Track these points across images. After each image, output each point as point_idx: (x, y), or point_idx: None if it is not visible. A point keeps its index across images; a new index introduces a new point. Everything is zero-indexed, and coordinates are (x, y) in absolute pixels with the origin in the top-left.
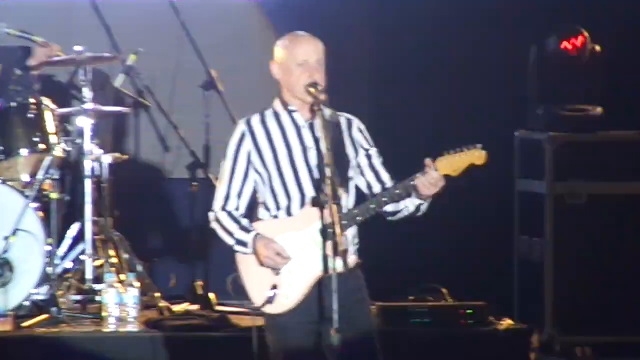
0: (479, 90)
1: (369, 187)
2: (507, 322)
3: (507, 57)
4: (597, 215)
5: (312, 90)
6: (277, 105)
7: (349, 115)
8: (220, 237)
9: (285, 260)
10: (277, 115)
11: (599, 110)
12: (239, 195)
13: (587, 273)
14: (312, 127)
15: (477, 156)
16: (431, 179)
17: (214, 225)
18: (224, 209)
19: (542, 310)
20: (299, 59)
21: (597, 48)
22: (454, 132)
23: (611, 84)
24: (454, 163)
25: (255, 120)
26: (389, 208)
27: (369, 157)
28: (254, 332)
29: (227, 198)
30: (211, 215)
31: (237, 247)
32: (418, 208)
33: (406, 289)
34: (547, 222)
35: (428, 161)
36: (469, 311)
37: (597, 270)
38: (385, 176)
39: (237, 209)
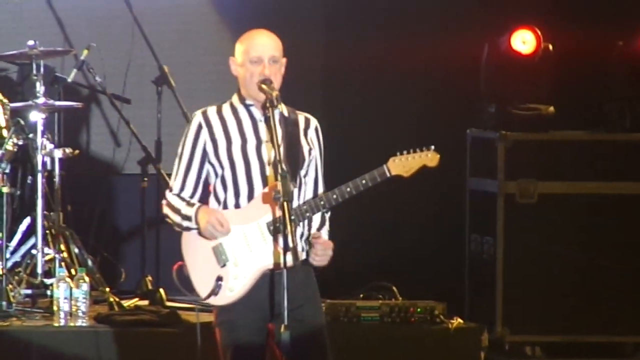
0: (431, 88)
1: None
2: (457, 321)
3: (459, 56)
4: (548, 214)
5: (264, 86)
6: (235, 99)
7: (308, 115)
8: (169, 219)
9: (224, 229)
10: (234, 108)
11: (551, 109)
12: (195, 187)
13: (537, 272)
14: (268, 122)
15: (430, 158)
16: (318, 250)
17: (166, 210)
18: (177, 195)
19: (492, 309)
20: (252, 55)
21: (550, 47)
22: (406, 130)
23: (563, 83)
24: (407, 164)
25: (212, 111)
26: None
27: (315, 167)
28: (198, 329)
29: (183, 188)
30: (164, 202)
31: (185, 223)
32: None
33: (356, 286)
34: (498, 220)
35: (315, 234)
36: (419, 309)
37: (547, 270)
38: (320, 190)
39: (190, 198)
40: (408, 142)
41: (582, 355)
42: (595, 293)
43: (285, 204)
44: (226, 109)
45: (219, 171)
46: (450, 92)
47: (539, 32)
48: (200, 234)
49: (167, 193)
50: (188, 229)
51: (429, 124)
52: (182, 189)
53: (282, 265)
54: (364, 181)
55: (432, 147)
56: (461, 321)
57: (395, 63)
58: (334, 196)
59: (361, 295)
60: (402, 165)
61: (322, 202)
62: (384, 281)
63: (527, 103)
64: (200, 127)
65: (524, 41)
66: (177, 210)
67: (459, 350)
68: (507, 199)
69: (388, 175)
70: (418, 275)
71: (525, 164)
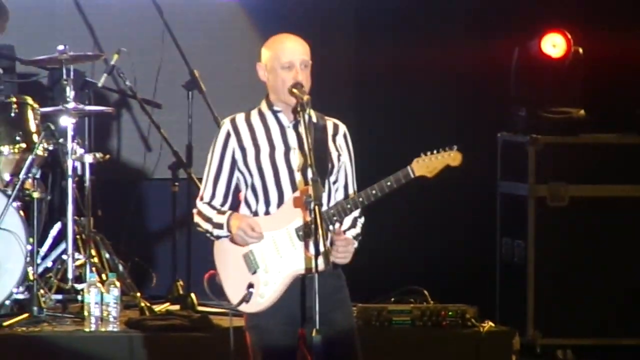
0: (461, 92)
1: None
2: (488, 324)
3: (489, 59)
4: (579, 217)
5: (295, 91)
6: (263, 105)
7: (336, 121)
8: (201, 228)
9: (257, 235)
10: (262, 115)
11: (582, 112)
12: (225, 195)
13: (568, 275)
14: (296, 128)
15: (452, 157)
16: (339, 247)
17: (197, 219)
18: (208, 203)
19: (524, 312)
20: (283, 61)
21: (580, 50)
22: (437, 134)
23: (594, 86)
24: (430, 164)
25: (240, 119)
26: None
27: (345, 173)
28: (231, 333)
29: (213, 196)
30: (194, 210)
31: (216, 232)
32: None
33: (388, 290)
34: (529, 224)
35: (337, 230)
36: (450, 313)
37: (578, 273)
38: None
39: (221, 206)
40: (439, 146)
41: (613, 358)
42: (627, 296)
43: (316, 208)
44: (254, 115)
45: (249, 180)
46: (480, 95)
47: (569, 36)
48: (232, 241)
49: (198, 202)
50: (219, 237)
51: (459, 127)
52: (212, 197)
53: (313, 269)
54: (388, 183)
55: (455, 146)
56: (492, 325)
57: (425, 66)
58: (360, 199)
59: (393, 299)
60: (425, 165)
61: (348, 206)
62: (416, 285)
63: (557, 106)
64: (228, 135)
65: (554, 45)
66: (208, 219)
67: (491, 354)
68: (538, 203)
69: (412, 176)
70: (449, 279)
71: (556, 167)
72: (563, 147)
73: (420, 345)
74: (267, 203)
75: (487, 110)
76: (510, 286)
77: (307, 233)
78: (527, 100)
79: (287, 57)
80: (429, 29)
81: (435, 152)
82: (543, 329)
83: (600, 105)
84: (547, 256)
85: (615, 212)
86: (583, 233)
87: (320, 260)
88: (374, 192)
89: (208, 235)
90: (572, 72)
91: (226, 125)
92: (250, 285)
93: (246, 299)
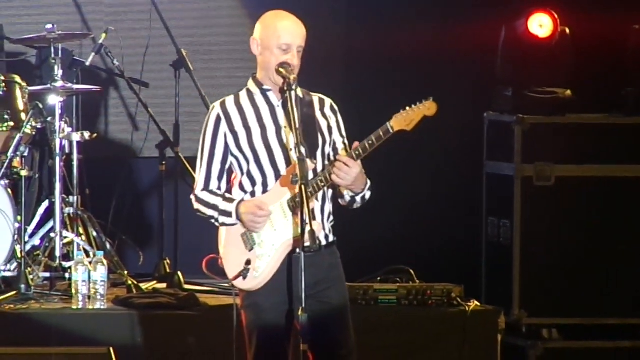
0: (448, 71)
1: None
2: (474, 303)
3: (476, 39)
4: (565, 197)
5: (282, 70)
6: (251, 84)
7: (322, 95)
8: (205, 215)
9: (265, 213)
10: (251, 95)
11: (568, 93)
12: (219, 177)
13: (554, 255)
14: (285, 106)
15: (427, 107)
16: (338, 169)
17: (197, 205)
18: (205, 189)
19: (509, 292)
20: (282, 42)
21: (567, 30)
22: None
23: (580, 66)
24: (407, 117)
25: (230, 102)
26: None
27: (342, 139)
28: (234, 310)
29: (208, 180)
30: (192, 197)
31: (222, 219)
32: (353, 199)
33: (374, 269)
34: (515, 204)
35: (339, 156)
36: (436, 292)
37: (564, 253)
38: None
39: (218, 189)
40: (426, 125)
41: (598, 337)
42: (612, 275)
43: (303, 187)
44: (243, 97)
45: (244, 165)
46: (467, 75)
47: (556, 16)
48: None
49: (197, 190)
50: (224, 224)
51: (446, 106)
52: (208, 182)
53: (301, 246)
54: (370, 142)
55: (431, 97)
56: (478, 304)
57: (414, 47)
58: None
59: (379, 279)
60: (403, 119)
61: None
62: (402, 264)
63: (544, 87)
64: (219, 118)
65: (541, 25)
66: (213, 206)
67: (476, 333)
68: (524, 182)
69: (391, 131)
70: (435, 259)
71: (542, 147)
72: (549, 127)
73: (405, 324)
74: (265, 184)
75: (473, 90)
76: (496, 266)
77: (296, 203)
78: (513, 80)
79: (286, 38)
80: (417, 9)
81: (413, 105)
82: (528, 309)
83: (586, 85)
84: (533, 236)
85: (601, 192)
86: (569, 213)
87: (307, 237)
88: (357, 152)
89: (212, 221)
90: (559, 52)
91: (216, 109)
92: (248, 262)
93: (243, 274)
